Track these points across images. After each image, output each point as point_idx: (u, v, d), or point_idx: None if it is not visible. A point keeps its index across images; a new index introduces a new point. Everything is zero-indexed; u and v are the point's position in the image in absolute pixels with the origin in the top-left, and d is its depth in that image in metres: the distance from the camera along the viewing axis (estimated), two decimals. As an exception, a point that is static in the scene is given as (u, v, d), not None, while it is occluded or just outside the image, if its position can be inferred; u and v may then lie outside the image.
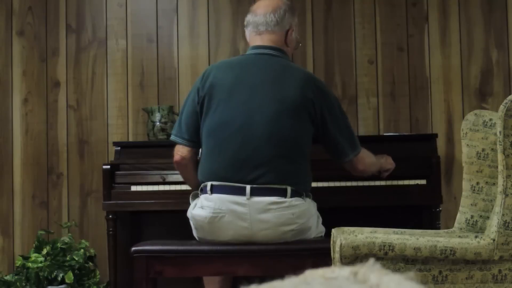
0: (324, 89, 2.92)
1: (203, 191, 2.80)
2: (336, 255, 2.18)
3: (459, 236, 2.33)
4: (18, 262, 3.56)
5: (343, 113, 2.95)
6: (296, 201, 2.78)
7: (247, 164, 2.75)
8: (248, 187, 2.72)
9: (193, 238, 2.96)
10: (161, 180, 3.39)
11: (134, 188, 3.36)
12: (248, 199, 2.73)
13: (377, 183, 3.33)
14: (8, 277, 3.56)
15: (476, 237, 2.26)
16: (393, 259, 2.14)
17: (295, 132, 2.82)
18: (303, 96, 2.82)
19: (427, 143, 3.54)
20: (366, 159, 3.01)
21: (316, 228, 2.92)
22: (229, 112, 2.80)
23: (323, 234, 2.97)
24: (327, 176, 3.32)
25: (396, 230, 2.41)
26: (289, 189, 2.76)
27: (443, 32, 3.91)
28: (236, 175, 2.75)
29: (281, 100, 2.82)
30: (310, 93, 2.83)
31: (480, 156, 2.36)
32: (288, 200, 2.76)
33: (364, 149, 3.00)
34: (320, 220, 2.98)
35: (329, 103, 2.88)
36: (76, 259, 3.53)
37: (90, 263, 3.65)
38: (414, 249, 2.13)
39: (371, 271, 0.76)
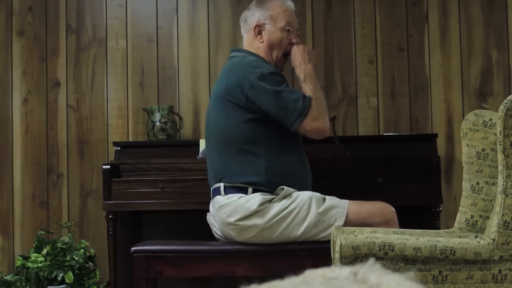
0: (244, 71, 2.77)
1: None
2: (336, 255, 2.18)
3: (459, 236, 2.33)
4: (18, 262, 3.56)
5: (270, 87, 2.72)
6: (229, 198, 2.75)
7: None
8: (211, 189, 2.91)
9: (192, 237, 2.99)
10: (160, 184, 3.39)
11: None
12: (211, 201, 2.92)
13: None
14: (8, 277, 3.56)
15: (476, 237, 2.26)
16: (393, 259, 2.14)
17: (220, 125, 2.81)
18: (226, 85, 2.79)
19: (427, 143, 3.54)
20: (317, 122, 2.75)
21: (283, 228, 2.72)
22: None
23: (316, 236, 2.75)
24: (326, 175, 3.31)
25: (396, 230, 2.41)
26: (222, 186, 2.78)
27: (443, 32, 3.91)
28: None
29: (213, 98, 2.91)
30: (233, 80, 2.77)
31: (480, 156, 2.36)
32: (220, 200, 2.78)
33: (312, 107, 2.75)
34: (308, 223, 2.72)
35: (252, 85, 2.73)
36: (76, 259, 3.52)
37: (90, 263, 3.65)
38: (414, 249, 2.13)
39: (371, 271, 0.76)
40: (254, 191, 2.73)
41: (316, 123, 2.74)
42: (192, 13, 3.97)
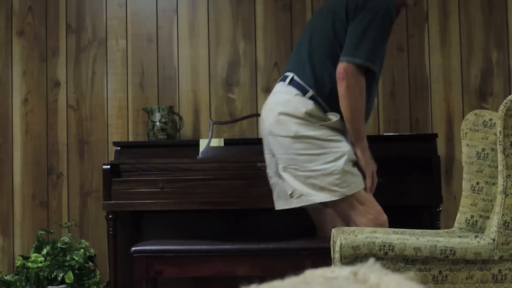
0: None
1: None
2: (336, 255, 2.18)
3: (459, 236, 2.33)
4: (18, 262, 3.56)
5: (374, 24, 2.74)
6: (287, 92, 2.81)
7: None
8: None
9: (192, 237, 2.98)
10: (160, 184, 3.39)
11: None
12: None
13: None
14: (8, 277, 3.56)
15: (476, 237, 2.26)
16: (393, 259, 2.14)
17: (332, 37, 2.85)
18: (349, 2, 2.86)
19: (427, 143, 3.55)
20: (356, 85, 2.71)
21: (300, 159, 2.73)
22: None
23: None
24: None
25: (396, 230, 2.41)
26: (290, 76, 2.85)
27: (443, 32, 3.91)
28: None
29: (330, 11, 2.95)
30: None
31: (480, 156, 2.36)
32: (280, 86, 2.86)
33: (361, 79, 2.72)
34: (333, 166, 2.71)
35: (363, 8, 2.77)
36: (76, 259, 3.53)
37: (90, 263, 3.65)
38: (414, 249, 2.13)
39: (371, 271, 0.76)
40: (311, 98, 2.77)
41: (351, 81, 2.70)
42: (192, 13, 3.97)
